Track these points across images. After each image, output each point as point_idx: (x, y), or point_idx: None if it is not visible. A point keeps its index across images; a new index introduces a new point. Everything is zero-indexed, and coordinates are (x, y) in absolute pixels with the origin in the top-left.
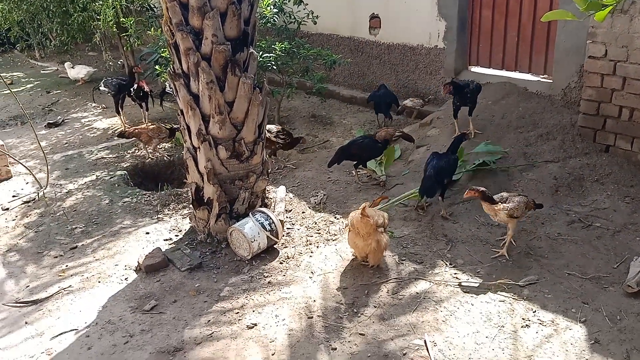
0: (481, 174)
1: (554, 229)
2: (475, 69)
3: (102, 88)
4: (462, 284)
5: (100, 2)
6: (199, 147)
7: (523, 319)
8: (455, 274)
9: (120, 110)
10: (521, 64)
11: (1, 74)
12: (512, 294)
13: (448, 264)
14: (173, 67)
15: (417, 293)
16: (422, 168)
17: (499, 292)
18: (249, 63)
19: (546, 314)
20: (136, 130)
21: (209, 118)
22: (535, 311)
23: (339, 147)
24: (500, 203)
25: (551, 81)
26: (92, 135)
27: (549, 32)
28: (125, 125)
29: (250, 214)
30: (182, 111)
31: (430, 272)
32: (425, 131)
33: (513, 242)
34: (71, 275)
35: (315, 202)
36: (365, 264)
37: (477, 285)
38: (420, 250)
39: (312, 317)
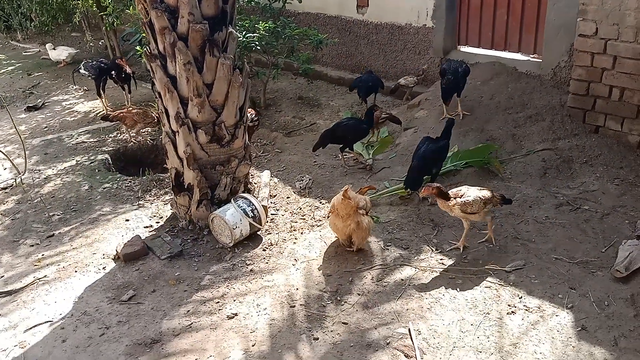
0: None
1: (542, 212)
2: (464, 48)
3: (82, 71)
4: (448, 269)
5: None
6: (177, 131)
7: (509, 305)
8: (441, 259)
9: (102, 93)
10: (511, 43)
11: None
12: (498, 279)
13: (434, 249)
14: (149, 48)
15: (402, 280)
16: (410, 151)
17: (485, 278)
18: (228, 43)
19: (532, 300)
20: (121, 114)
21: (188, 101)
22: (521, 297)
23: (325, 130)
24: (454, 199)
25: (541, 61)
26: (72, 118)
27: (539, 10)
28: (107, 108)
29: (232, 200)
30: (159, 94)
31: (415, 257)
32: (414, 113)
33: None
34: (47, 265)
35: (300, 187)
36: (350, 249)
37: (463, 271)
38: (406, 235)
39: (294, 306)
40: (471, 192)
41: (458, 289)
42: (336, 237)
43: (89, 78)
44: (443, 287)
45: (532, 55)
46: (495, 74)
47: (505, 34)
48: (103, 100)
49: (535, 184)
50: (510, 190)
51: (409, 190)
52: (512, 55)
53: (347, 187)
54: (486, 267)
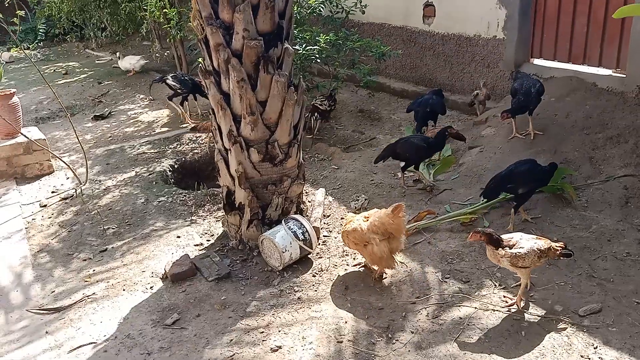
0: None
1: (622, 248)
2: (537, 61)
3: (170, 82)
4: (512, 309)
5: None
6: (230, 149)
7: (582, 356)
8: (504, 297)
9: (178, 103)
10: (590, 56)
11: (58, 64)
12: (570, 324)
13: (497, 284)
14: (204, 64)
15: (460, 318)
16: (474, 172)
17: (554, 322)
18: (283, 59)
19: (609, 352)
20: (207, 124)
21: (241, 118)
22: (596, 347)
23: (389, 143)
24: (503, 248)
25: (624, 76)
26: (136, 128)
27: (623, 20)
28: (187, 118)
29: (282, 221)
30: (213, 110)
31: (476, 293)
32: (480, 130)
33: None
34: (97, 282)
35: (355, 207)
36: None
37: (529, 312)
38: (466, 267)
39: (341, 342)
40: (525, 243)
41: (523, 333)
42: (376, 270)
43: (179, 91)
44: (506, 329)
45: (614, 70)
46: (572, 90)
47: (585, 46)
48: (181, 109)
49: (615, 215)
50: (585, 220)
51: (484, 203)
52: (591, 70)
53: (402, 205)
54: (559, 318)
